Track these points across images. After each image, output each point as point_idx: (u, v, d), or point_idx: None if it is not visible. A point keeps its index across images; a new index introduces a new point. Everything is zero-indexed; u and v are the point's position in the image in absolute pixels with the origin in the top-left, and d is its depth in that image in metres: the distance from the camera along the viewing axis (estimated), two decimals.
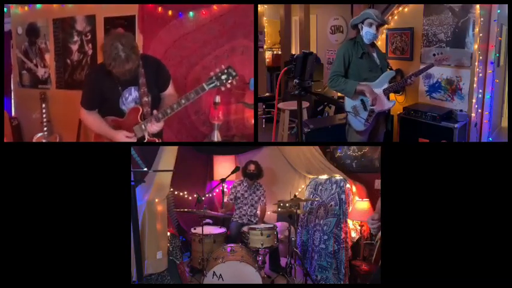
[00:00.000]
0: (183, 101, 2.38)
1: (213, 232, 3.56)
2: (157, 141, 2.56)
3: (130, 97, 2.51)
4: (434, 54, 3.06)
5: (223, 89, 2.38)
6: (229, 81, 2.34)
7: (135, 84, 2.48)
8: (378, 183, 3.40)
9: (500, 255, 2.10)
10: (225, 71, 2.33)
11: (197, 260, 3.40)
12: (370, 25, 2.85)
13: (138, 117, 2.47)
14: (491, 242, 2.11)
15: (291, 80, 2.33)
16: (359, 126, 2.97)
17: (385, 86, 2.90)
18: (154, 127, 2.45)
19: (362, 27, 2.89)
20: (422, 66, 3.32)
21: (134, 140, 2.49)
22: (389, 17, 3.80)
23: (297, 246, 3.41)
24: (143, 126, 2.47)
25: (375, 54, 2.97)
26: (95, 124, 2.58)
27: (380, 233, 2.28)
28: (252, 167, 3.84)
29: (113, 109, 2.53)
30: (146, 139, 2.50)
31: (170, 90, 2.64)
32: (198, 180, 4.58)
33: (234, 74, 2.33)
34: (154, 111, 2.45)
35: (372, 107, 2.88)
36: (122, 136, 2.48)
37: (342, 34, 5.62)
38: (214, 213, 3.68)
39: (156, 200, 2.95)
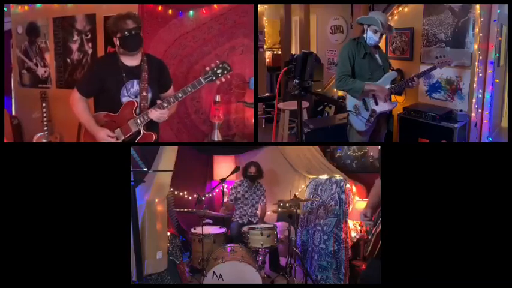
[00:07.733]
0: (180, 95, 2.46)
1: (213, 232, 3.56)
2: (153, 136, 2.55)
3: (132, 89, 2.51)
4: (437, 57, 3.06)
5: (218, 82, 2.49)
6: (224, 75, 2.46)
7: (139, 78, 2.51)
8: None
9: (500, 255, 2.10)
10: (220, 65, 2.46)
11: (197, 260, 3.40)
12: (375, 32, 2.84)
13: (133, 111, 2.48)
14: (491, 242, 2.11)
15: (291, 80, 2.33)
16: (360, 126, 2.96)
17: (388, 86, 2.90)
18: (155, 113, 2.46)
19: (367, 30, 2.87)
20: (422, 66, 3.32)
21: (114, 140, 2.48)
22: (390, 17, 3.80)
23: (297, 246, 3.40)
24: (139, 121, 2.48)
25: (377, 55, 2.96)
26: (82, 114, 2.51)
27: (375, 228, 2.28)
28: (253, 170, 3.82)
29: (110, 100, 2.50)
30: (142, 133, 2.51)
31: (170, 92, 2.67)
32: (198, 180, 4.57)
33: (228, 68, 2.46)
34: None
35: (373, 108, 2.88)
36: (103, 134, 2.46)
37: (342, 34, 5.62)
38: (214, 213, 3.68)
39: (156, 200, 2.94)
